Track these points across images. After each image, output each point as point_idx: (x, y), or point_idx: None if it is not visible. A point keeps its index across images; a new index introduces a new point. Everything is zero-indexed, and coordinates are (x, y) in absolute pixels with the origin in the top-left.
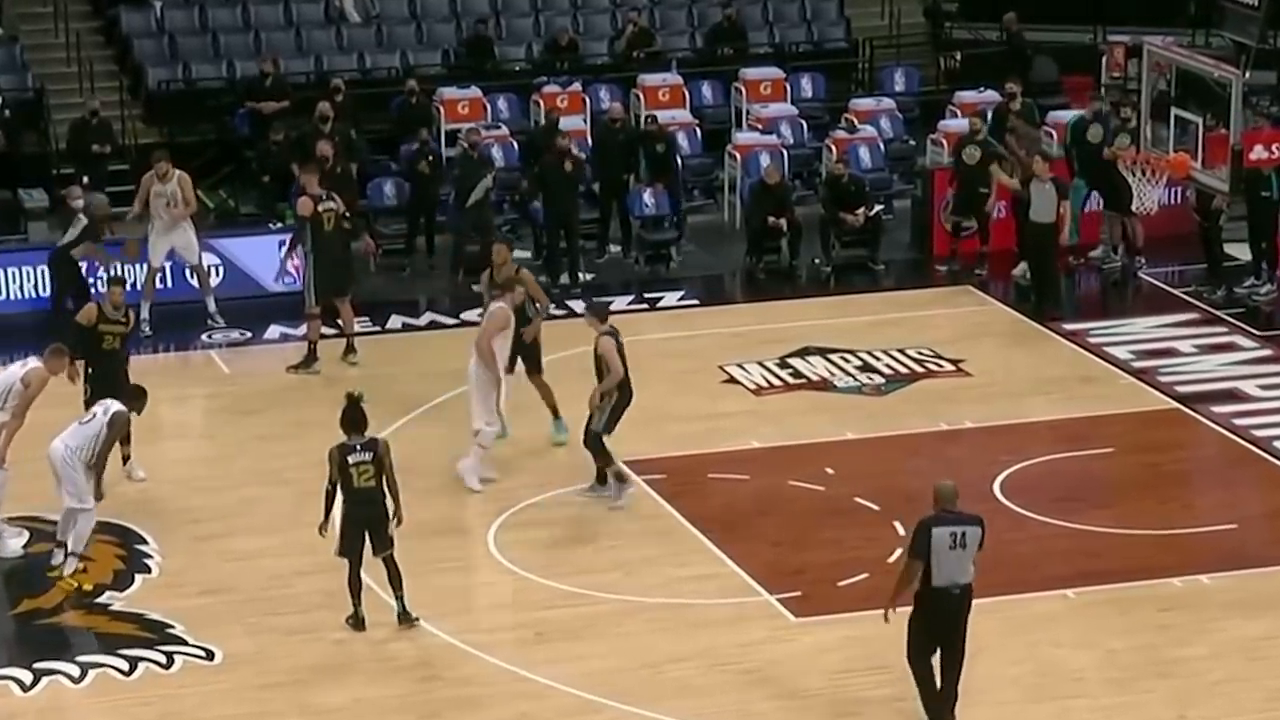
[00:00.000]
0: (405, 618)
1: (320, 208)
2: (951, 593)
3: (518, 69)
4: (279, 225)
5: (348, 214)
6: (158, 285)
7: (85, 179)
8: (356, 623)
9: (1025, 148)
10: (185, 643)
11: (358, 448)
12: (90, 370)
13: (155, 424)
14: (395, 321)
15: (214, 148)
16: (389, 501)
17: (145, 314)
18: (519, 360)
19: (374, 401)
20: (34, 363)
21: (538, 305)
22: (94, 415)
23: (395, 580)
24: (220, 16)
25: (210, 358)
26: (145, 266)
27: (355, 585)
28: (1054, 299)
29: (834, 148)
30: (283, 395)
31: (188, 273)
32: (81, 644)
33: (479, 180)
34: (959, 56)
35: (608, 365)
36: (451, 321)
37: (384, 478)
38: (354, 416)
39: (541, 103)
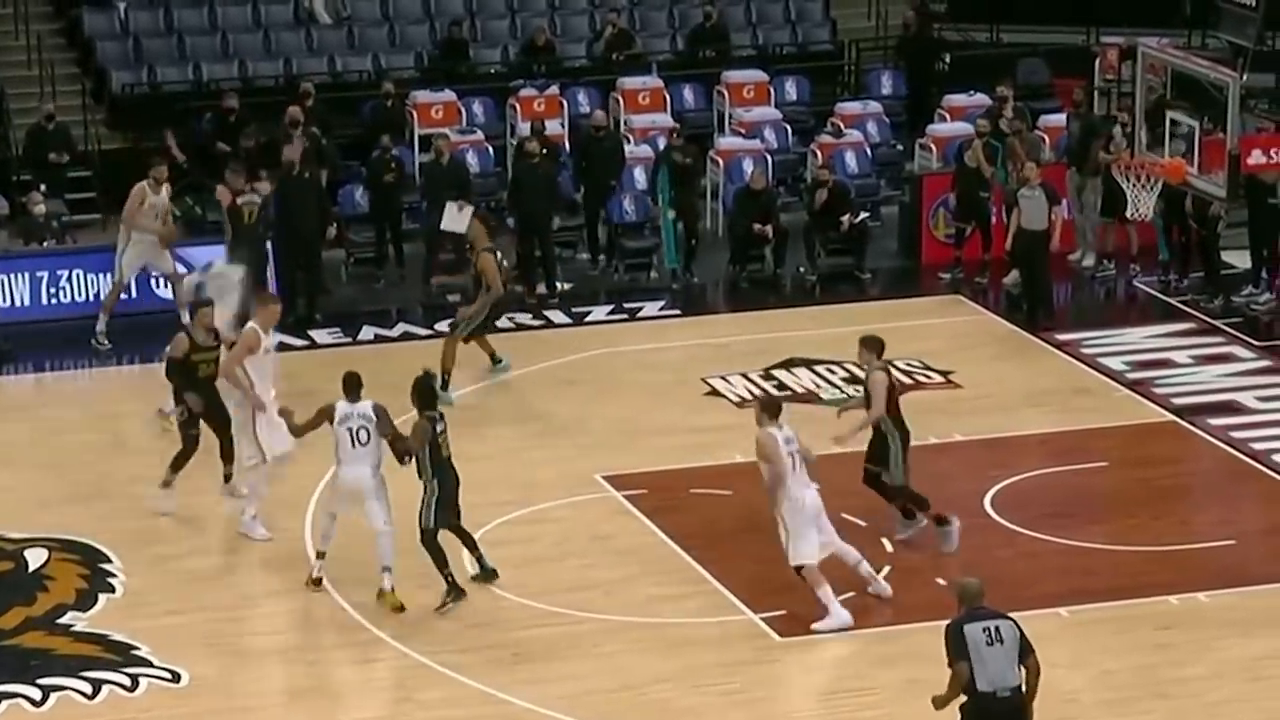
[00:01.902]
0: (490, 572)
1: (240, 200)
2: (999, 697)
3: (493, 72)
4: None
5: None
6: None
7: (42, 186)
8: (457, 593)
9: (1027, 152)
10: (151, 664)
11: (439, 417)
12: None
13: (119, 439)
14: (367, 332)
15: (170, 153)
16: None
17: (102, 326)
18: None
19: None
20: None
21: (488, 288)
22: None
23: (472, 542)
24: (186, 18)
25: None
26: (112, 278)
27: (442, 555)
28: (1046, 308)
29: (819, 153)
30: None
31: (162, 282)
32: (43, 666)
33: (449, 198)
34: (948, 59)
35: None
36: (425, 332)
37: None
38: (430, 390)
39: (519, 108)
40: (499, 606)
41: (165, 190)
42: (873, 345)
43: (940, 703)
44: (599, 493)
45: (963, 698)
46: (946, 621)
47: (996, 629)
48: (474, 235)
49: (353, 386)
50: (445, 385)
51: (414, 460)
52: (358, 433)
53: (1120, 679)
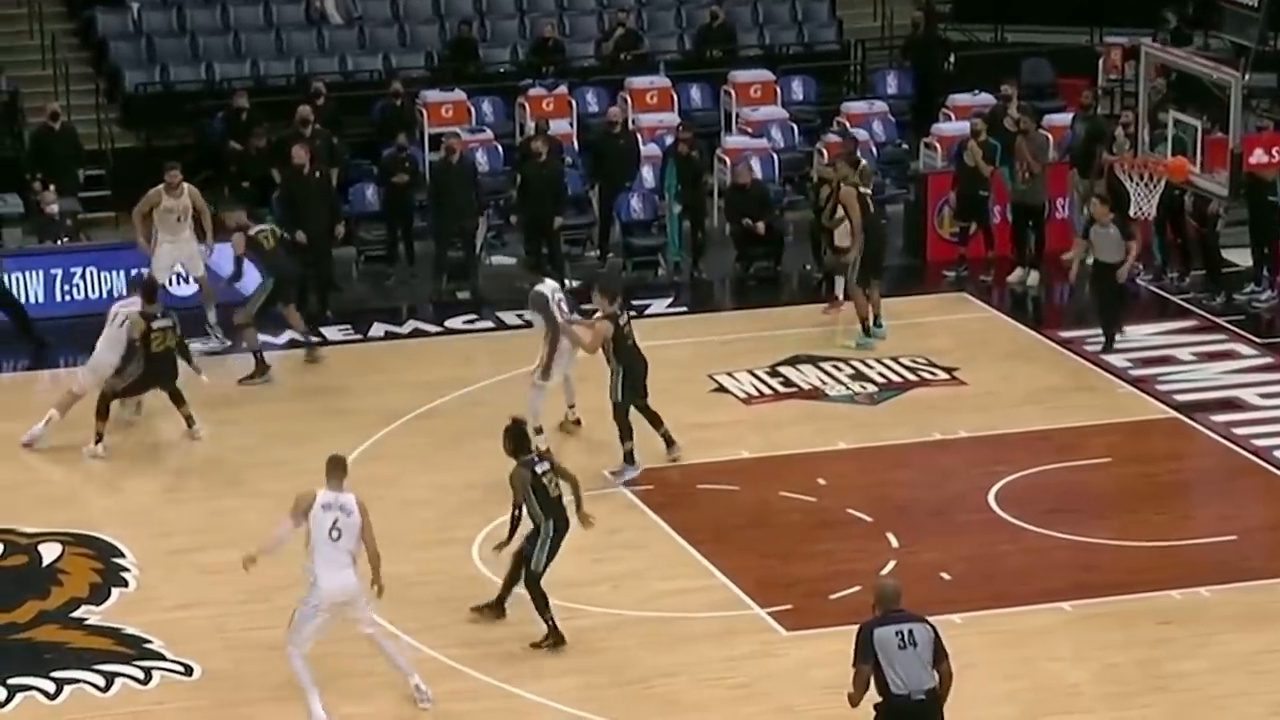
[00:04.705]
0: (499, 608)
1: (253, 233)
2: (914, 700)
3: (502, 71)
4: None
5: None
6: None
7: (51, 186)
8: (558, 638)
9: (1033, 152)
10: (163, 658)
11: (538, 459)
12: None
13: (130, 434)
14: (378, 330)
15: (192, 152)
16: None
17: (212, 318)
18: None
19: (357, 411)
20: None
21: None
22: None
23: (515, 576)
24: (199, 18)
25: (181, 365)
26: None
27: (544, 599)
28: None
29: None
30: (259, 406)
31: (180, 280)
32: (57, 659)
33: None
34: (953, 59)
35: (585, 348)
36: (435, 329)
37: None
38: (522, 434)
39: (528, 107)
40: (509, 600)
41: (187, 191)
42: (605, 285)
43: (851, 700)
44: (607, 488)
45: (878, 698)
46: (859, 624)
47: (910, 632)
48: (844, 172)
49: (336, 471)
50: (867, 332)
51: (523, 510)
52: (334, 528)
53: (1122, 673)
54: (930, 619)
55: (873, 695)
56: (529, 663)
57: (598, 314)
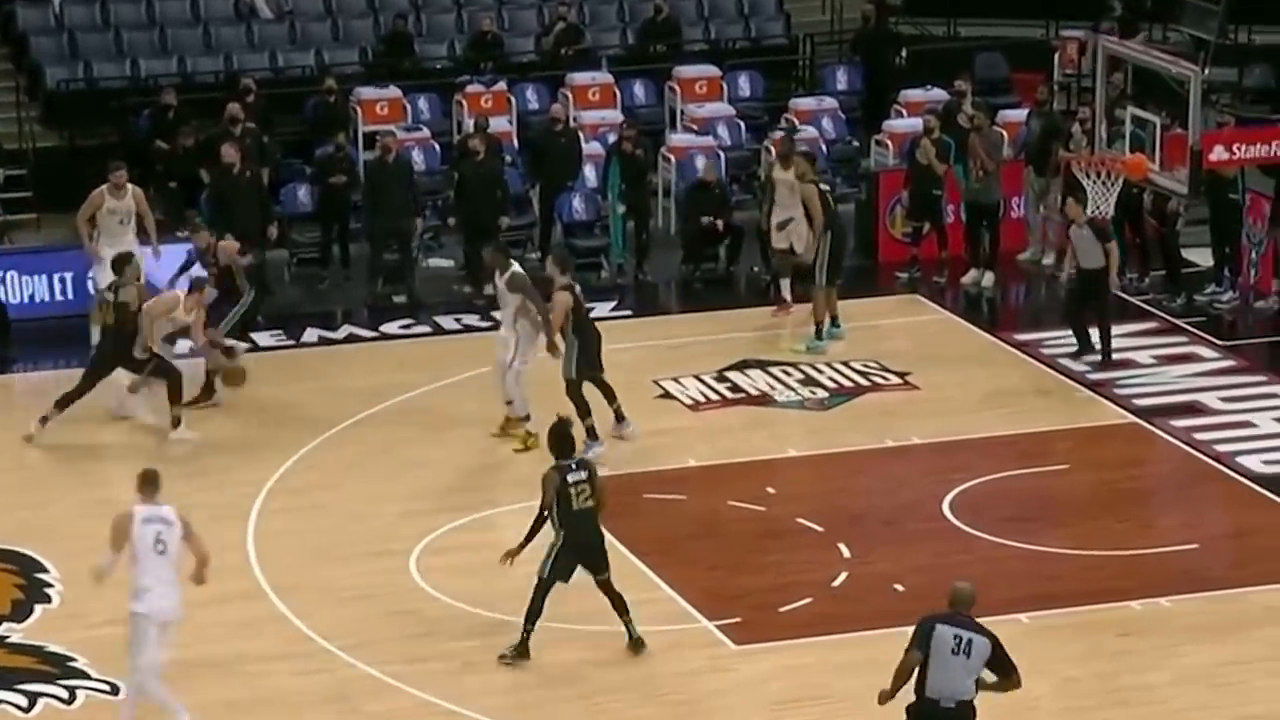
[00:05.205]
0: (638, 643)
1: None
2: (943, 706)
3: (439, 67)
4: (187, 234)
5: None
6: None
7: None
8: (523, 651)
9: (987, 149)
10: (88, 677)
11: (574, 467)
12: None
13: (55, 445)
14: (311, 335)
15: (117, 151)
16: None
17: (96, 338)
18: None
19: (290, 419)
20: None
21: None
22: None
23: (621, 605)
24: (123, 12)
25: (114, 374)
26: (91, 288)
27: (538, 611)
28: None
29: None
30: (188, 415)
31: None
32: None
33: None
34: (905, 53)
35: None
36: (370, 334)
37: (599, 499)
38: (568, 438)
39: (466, 104)
40: (447, 615)
41: (131, 192)
42: (560, 259)
43: (883, 697)
44: None
45: (912, 697)
46: (914, 624)
47: (969, 641)
48: (802, 169)
49: (149, 484)
50: (820, 335)
51: (548, 515)
52: (158, 540)
53: (1081, 686)
54: (995, 633)
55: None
56: (469, 679)
57: (556, 285)
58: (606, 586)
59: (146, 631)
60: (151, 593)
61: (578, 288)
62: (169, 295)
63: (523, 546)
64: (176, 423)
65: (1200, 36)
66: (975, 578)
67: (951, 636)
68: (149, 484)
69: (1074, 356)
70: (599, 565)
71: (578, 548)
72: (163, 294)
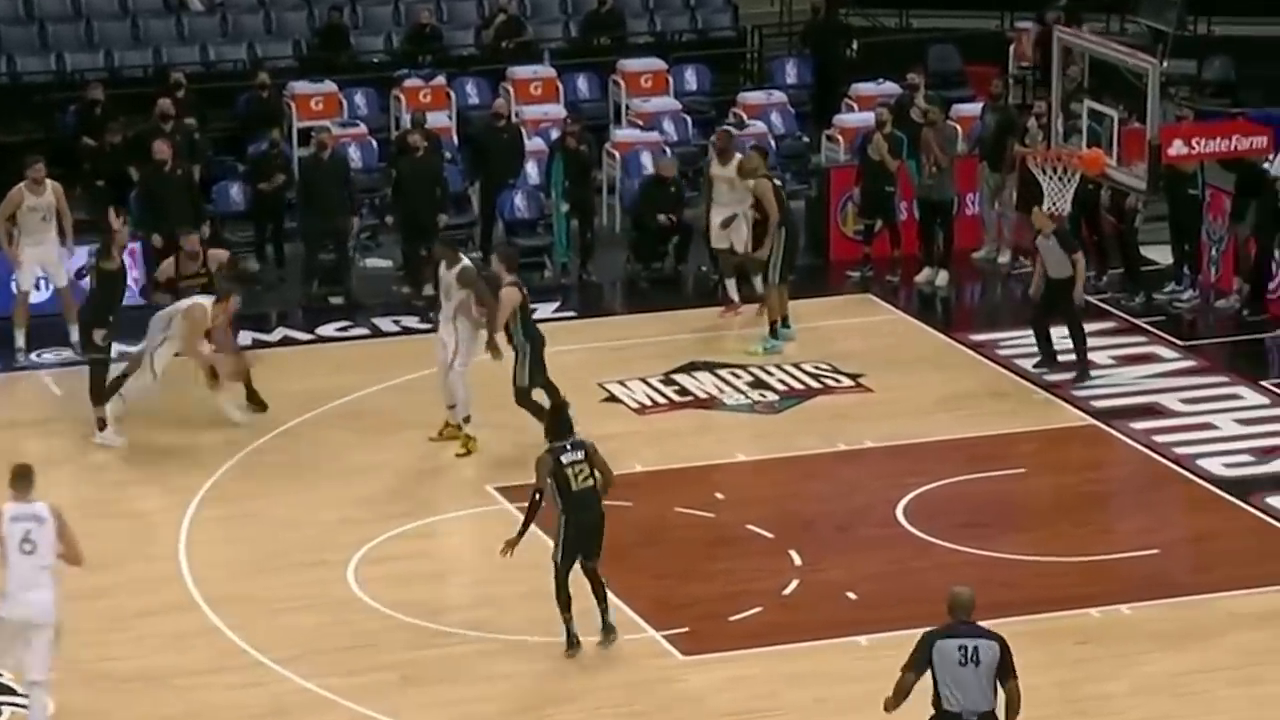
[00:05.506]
0: (610, 630)
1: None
2: None
3: (376, 61)
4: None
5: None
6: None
7: None
8: (573, 641)
9: (941, 144)
10: (14, 692)
11: (568, 447)
12: None
13: None
14: (244, 338)
15: (42, 148)
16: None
17: (20, 342)
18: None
19: (222, 425)
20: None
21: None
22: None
23: (600, 592)
24: (47, 4)
25: (38, 379)
26: (14, 289)
27: (567, 598)
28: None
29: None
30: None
31: (46, 284)
32: None
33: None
34: (856, 46)
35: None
36: (306, 337)
37: (597, 479)
38: (565, 419)
39: (404, 99)
40: (386, 627)
41: (50, 188)
42: (507, 256)
43: (887, 705)
44: (491, 504)
45: (931, 710)
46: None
47: (974, 650)
48: (751, 166)
49: (22, 480)
50: (775, 334)
51: (541, 496)
52: (26, 540)
53: (1039, 695)
54: (1000, 634)
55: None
56: (409, 693)
57: (504, 283)
58: (593, 574)
59: (5, 635)
60: (12, 596)
61: (524, 288)
62: (201, 304)
63: (521, 534)
64: (101, 425)
65: (1158, 28)
66: (930, 585)
67: (956, 649)
68: (21, 479)
69: (1036, 366)
70: (595, 550)
71: (581, 528)
72: (197, 302)
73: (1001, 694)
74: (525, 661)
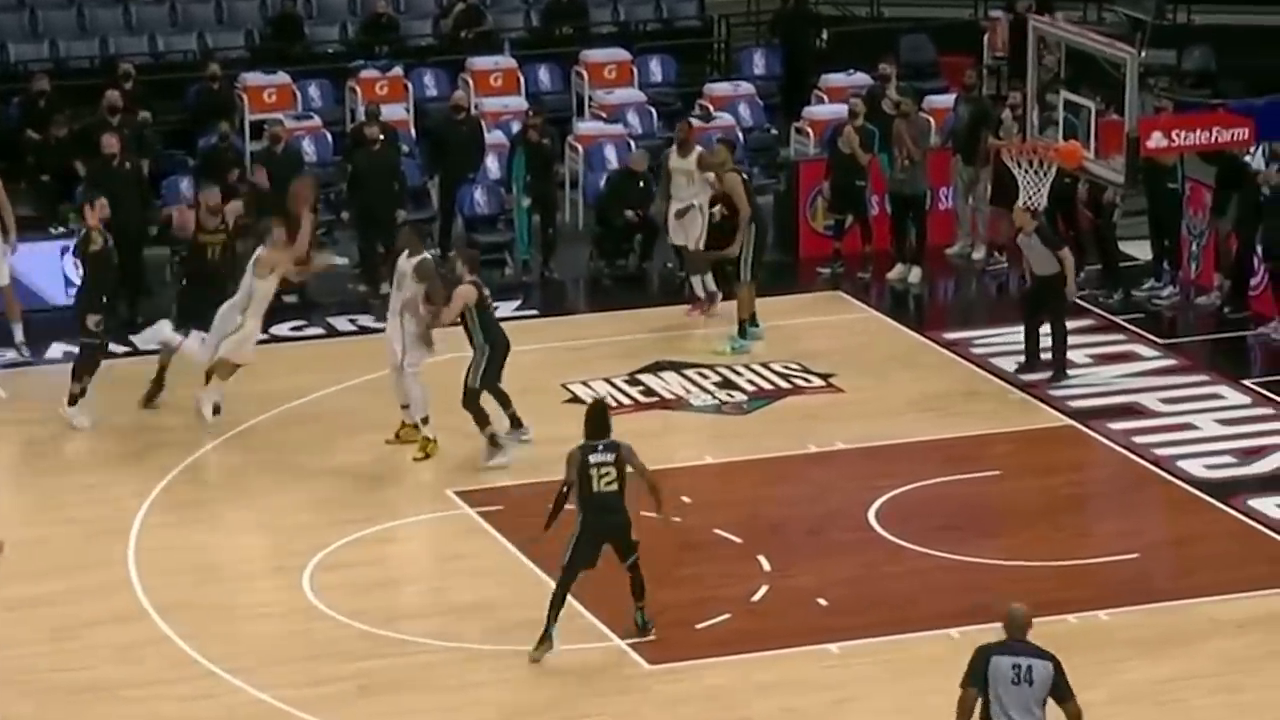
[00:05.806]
0: (645, 628)
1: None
2: None
3: (331, 52)
4: (61, 230)
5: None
6: None
7: None
8: (546, 643)
9: (913, 137)
10: None
11: (600, 448)
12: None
13: None
14: (196, 338)
15: None
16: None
17: (19, 336)
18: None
19: (175, 427)
20: None
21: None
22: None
23: (639, 590)
24: None
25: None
26: None
27: (561, 601)
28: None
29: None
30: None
31: None
32: None
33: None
34: (826, 35)
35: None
36: (259, 336)
37: (624, 482)
38: (602, 418)
39: (360, 91)
40: (343, 636)
41: None
42: (469, 257)
43: None
44: (451, 509)
45: None
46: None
47: (1029, 669)
48: (719, 160)
49: None
50: (744, 333)
51: (569, 491)
52: None
53: None
54: (1055, 654)
55: None
56: (366, 703)
57: (461, 280)
58: (632, 569)
59: None
60: None
61: (486, 290)
62: (260, 258)
63: (548, 526)
64: (73, 400)
65: (1137, 17)
66: (903, 590)
67: (1010, 667)
68: None
69: (1018, 370)
70: (626, 550)
71: (596, 531)
72: (257, 258)
73: (1041, 713)
74: (486, 671)
